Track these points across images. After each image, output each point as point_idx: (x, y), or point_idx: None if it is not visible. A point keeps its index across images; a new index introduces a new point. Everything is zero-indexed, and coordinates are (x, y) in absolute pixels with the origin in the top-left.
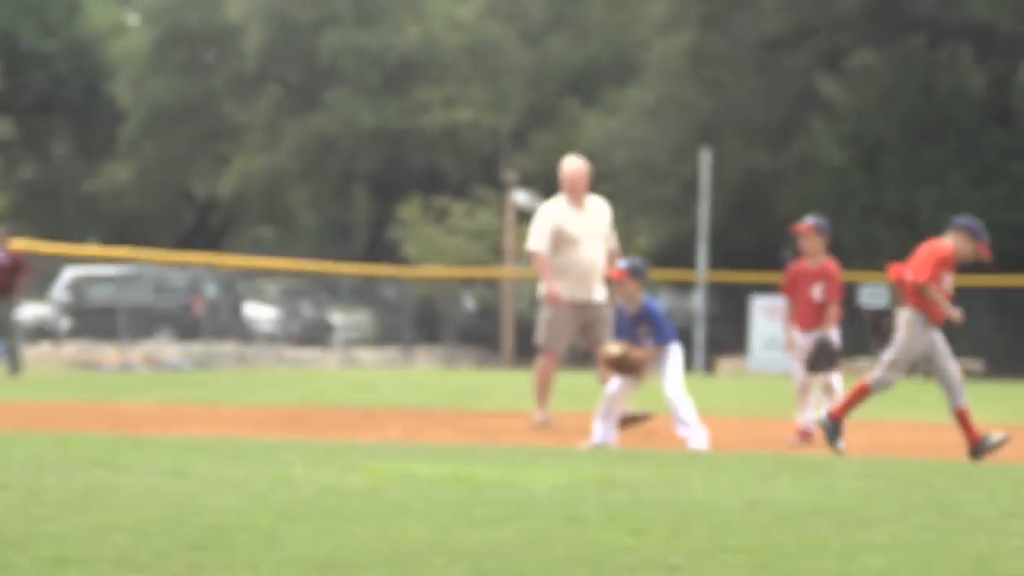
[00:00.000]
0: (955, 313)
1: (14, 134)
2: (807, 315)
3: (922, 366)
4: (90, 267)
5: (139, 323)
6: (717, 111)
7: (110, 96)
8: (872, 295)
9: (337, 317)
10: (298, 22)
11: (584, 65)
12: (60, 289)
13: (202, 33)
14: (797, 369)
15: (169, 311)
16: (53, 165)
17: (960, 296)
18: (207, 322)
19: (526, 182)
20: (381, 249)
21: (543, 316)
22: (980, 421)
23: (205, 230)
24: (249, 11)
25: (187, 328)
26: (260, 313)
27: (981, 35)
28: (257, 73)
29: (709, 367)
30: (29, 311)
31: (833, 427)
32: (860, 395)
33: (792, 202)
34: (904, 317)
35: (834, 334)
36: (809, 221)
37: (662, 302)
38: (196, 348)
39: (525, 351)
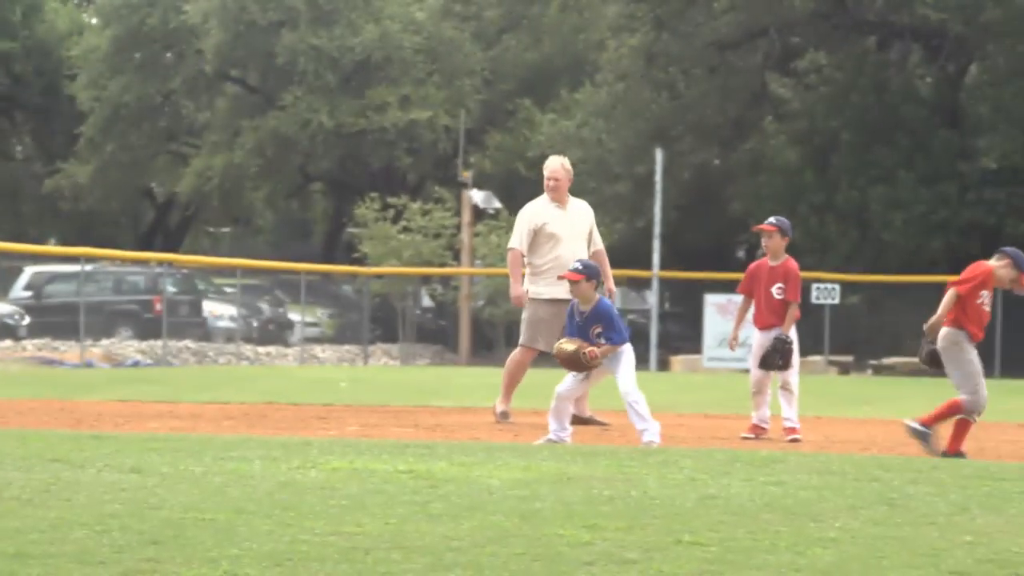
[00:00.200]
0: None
1: None
2: (766, 314)
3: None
4: (50, 265)
5: (99, 321)
6: (670, 111)
7: (70, 96)
8: (823, 293)
9: (295, 315)
10: (256, 23)
11: (539, 66)
12: (20, 288)
13: (161, 33)
14: (753, 366)
15: (129, 309)
16: (13, 165)
17: (912, 294)
18: (166, 320)
19: (482, 181)
20: (339, 247)
21: (525, 314)
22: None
23: (164, 229)
24: (207, 12)
25: (147, 326)
26: (219, 311)
27: (931, 36)
28: (215, 73)
29: (663, 364)
30: None
31: (923, 432)
32: (951, 411)
33: (745, 201)
34: (947, 340)
35: (792, 334)
36: (772, 221)
37: (616, 300)
38: (155, 345)
39: (481, 348)
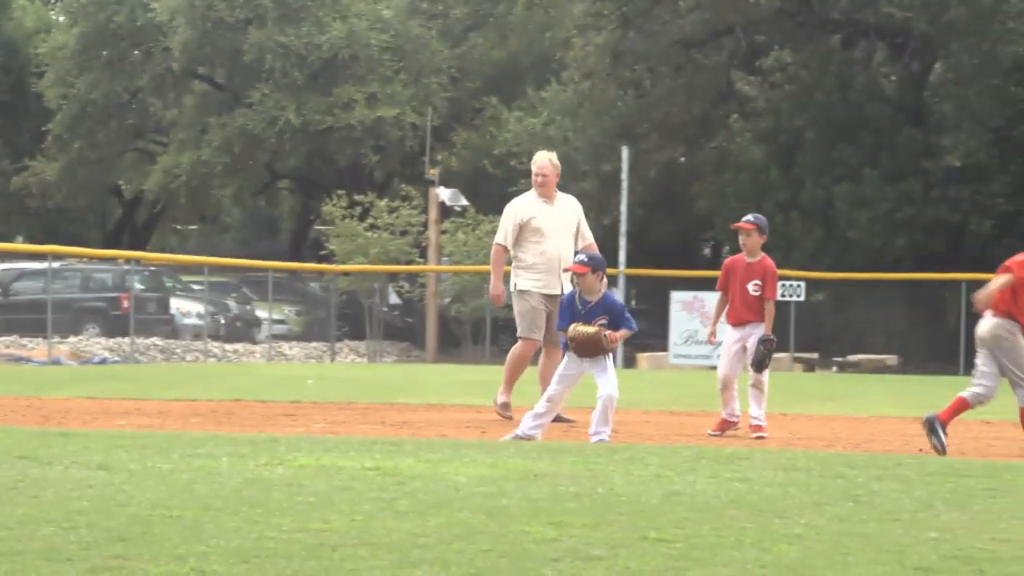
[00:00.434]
0: None
1: None
2: (741, 310)
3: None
4: (17, 263)
5: (66, 318)
6: (636, 109)
7: (37, 93)
8: (789, 290)
9: (262, 312)
10: (223, 20)
11: (505, 64)
12: None
13: (128, 31)
14: (721, 363)
15: (96, 306)
16: None
17: (876, 292)
18: (134, 317)
19: (449, 179)
20: (306, 245)
21: (517, 308)
22: (897, 414)
23: (132, 226)
24: (175, 9)
25: (114, 323)
26: (186, 308)
27: (895, 35)
28: (183, 71)
29: (629, 361)
30: None
31: (938, 437)
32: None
33: (710, 199)
34: (1002, 330)
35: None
36: (750, 219)
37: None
38: (123, 343)
39: (448, 346)
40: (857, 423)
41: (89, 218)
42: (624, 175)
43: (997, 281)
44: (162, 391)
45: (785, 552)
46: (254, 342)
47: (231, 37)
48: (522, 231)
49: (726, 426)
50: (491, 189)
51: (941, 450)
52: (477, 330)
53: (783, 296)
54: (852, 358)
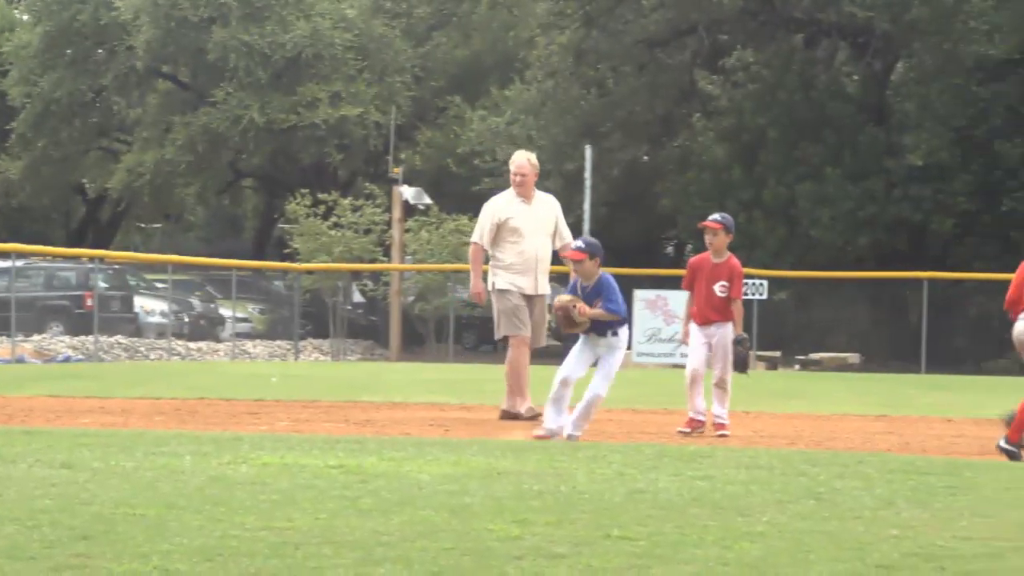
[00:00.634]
0: None
1: None
2: (707, 310)
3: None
4: None
5: (30, 317)
6: (599, 108)
7: (1, 92)
8: (752, 288)
9: (226, 310)
10: (187, 19)
11: (469, 63)
12: None
13: (92, 30)
14: (690, 361)
15: (60, 305)
16: None
17: (839, 290)
18: (97, 316)
19: (412, 177)
20: (270, 243)
21: (498, 308)
22: (859, 412)
23: (96, 225)
24: (139, 8)
25: (78, 321)
26: (150, 307)
27: (857, 34)
28: (147, 69)
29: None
30: None
31: (1014, 452)
32: None
33: (673, 197)
34: None
35: (732, 330)
36: (716, 218)
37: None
38: (87, 341)
39: (412, 344)
40: (819, 421)
41: (53, 216)
42: (587, 174)
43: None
44: (126, 389)
45: (747, 550)
46: (218, 340)
47: (195, 36)
48: (500, 231)
49: (695, 425)
50: (455, 188)
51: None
52: (441, 328)
53: (745, 294)
54: (814, 356)
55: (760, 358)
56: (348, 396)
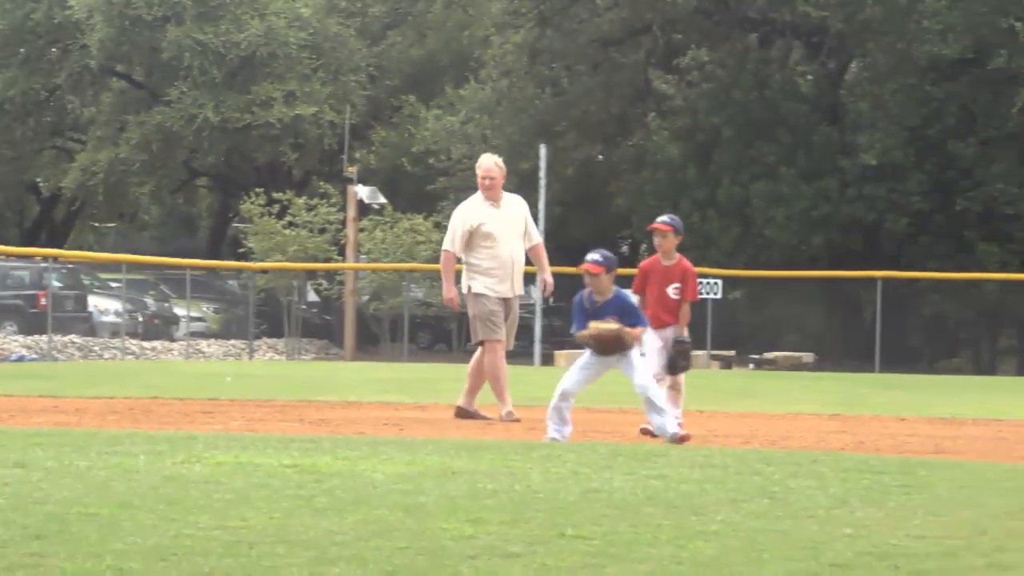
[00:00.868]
0: None
1: None
2: (660, 313)
3: None
4: None
5: None
6: (554, 107)
7: None
8: (706, 288)
9: (180, 310)
10: (141, 18)
11: (424, 62)
12: None
13: (46, 28)
14: (650, 363)
15: (13, 304)
16: None
17: (793, 290)
18: (51, 315)
19: (367, 177)
20: (224, 243)
21: (474, 311)
22: (813, 411)
23: (50, 224)
24: (92, 7)
25: (31, 321)
26: (104, 306)
27: (811, 34)
28: (101, 68)
29: (547, 359)
30: None
31: None
32: None
33: (628, 197)
34: None
35: (686, 333)
36: (666, 220)
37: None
38: (40, 340)
39: (366, 343)
40: (773, 420)
41: (6, 215)
42: (542, 173)
43: None
44: (80, 389)
45: (701, 549)
46: (172, 340)
47: (149, 35)
48: (472, 237)
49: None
50: (409, 187)
51: None
52: (395, 328)
53: (700, 294)
54: (769, 355)
55: (714, 357)
56: (302, 395)
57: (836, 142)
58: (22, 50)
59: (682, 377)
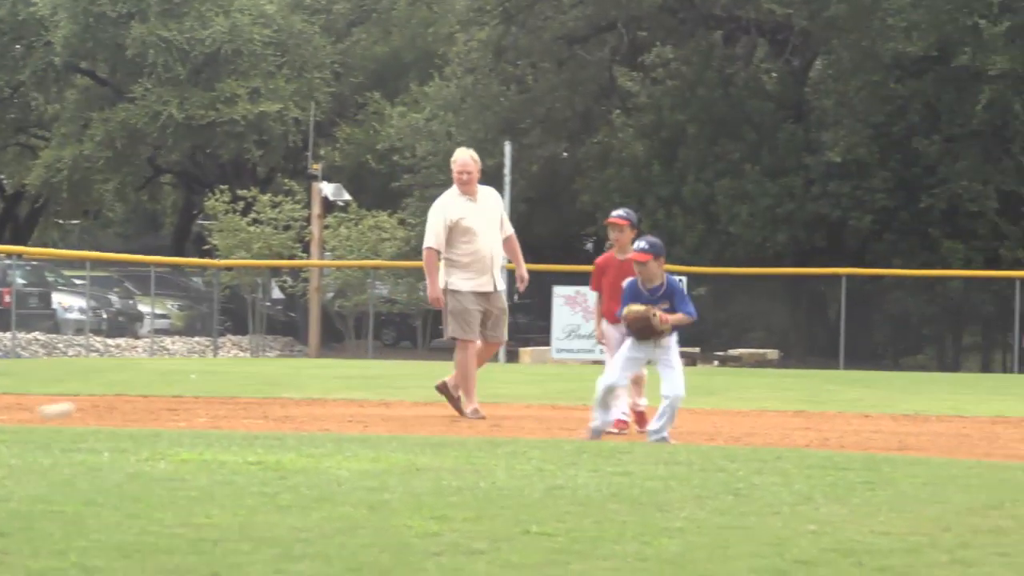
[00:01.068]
0: None
1: None
2: (615, 308)
3: None
4: None
5: None
6: (519, 104)
7: None
8: None
9: (145, 307)
10: (106, 15)
11: (388, 59)
12: None
13: (10, 25)
14: (610, 361)
15: None
16: None
17: (757, 287)
18: (15, 312)
19: (332, 174)
20: (189, 240)
21: (448, 309)
22: (777, 408)
23: (14, 221)
24: (56, 3)
25: None
26: (68, 303)
27: (776, 31)
28: (65, 65)
29: (512, 356)
30: None
31: None
32: None
33: (593, 194)
34: None
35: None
36: (622, 214)
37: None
38: (4, 337)
39: (331, 340)
40: (738, 417)
41: None
42: (507, 170)
43: None
44: (44, 386)
45: (666, 545)
46: (136, 337)
47: (113, 31)
48: (451, 232)
49: (622, 425)
50: (374, 184)
51: None
52: (360, 325)
53: None
54: (733, 352)
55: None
56: (267, 392)
57: (801, 139)
58: None
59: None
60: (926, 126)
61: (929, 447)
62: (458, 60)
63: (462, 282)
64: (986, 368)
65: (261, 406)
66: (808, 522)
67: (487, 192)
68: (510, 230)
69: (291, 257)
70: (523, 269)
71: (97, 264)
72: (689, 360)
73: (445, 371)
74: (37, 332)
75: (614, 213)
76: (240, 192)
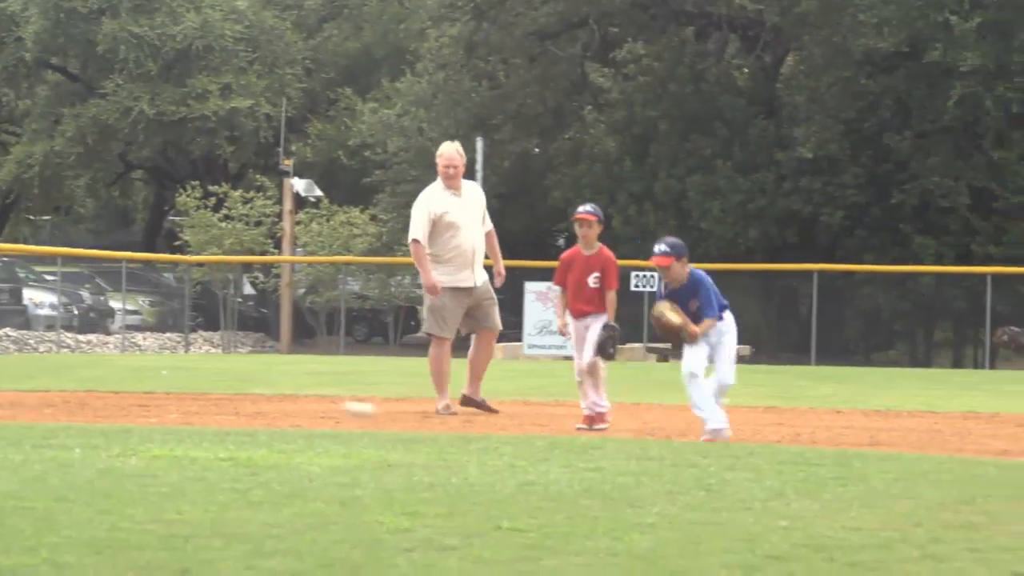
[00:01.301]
0: None
1: None
2: (581, 303)
3: None
4: None
5: None
6: (491, 100)
7: None
8: (642, 281)
9: (116, 303)
10: (77, 10)
11: (360, 55)
12: None
13: None
14: (577, 356)
15: None
16: None
17: (729, 283)
18: None
19: (303, 170)
20: (160, 235)
21: (427, 305)
22: (749, 404)
23: None
24: None
25: None
26: (39, 299)
27: (748, 27)
28: (36, 61)
29: None
30: None
31: None
32: None
33: (564, 190)
34: None
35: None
36: (589, 210)
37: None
38: None
39: (302, 336)
40: None
41: None
42: (479, 166)
43: None
44: (15, 382)
45: (637, 541)
46: (108, 333)
47: (84, 27)
48: (435, 226)
49: (590, 421)
50: (346, 180)
51: None
52: (331, 321)
53: (637, 287)
54: None
55: (651, 350)
56: (238, 389)
57: (772, 135)
58: None
59: (602, 363)
60: (897, 122)
61: (900, 443)
62: (430, 56)
63: (441, 278)
64: (958, 364)
65: (232, 402)
66: (780, 518)
67: (471, 187)
68: (489, 226)
69: (263, 253)
70: (501, 265)
71: (68, 260)
72: (661, 356)
73: (418, 367)
74: (8, 328)
75: (581, 209)
76: (211, 188)
